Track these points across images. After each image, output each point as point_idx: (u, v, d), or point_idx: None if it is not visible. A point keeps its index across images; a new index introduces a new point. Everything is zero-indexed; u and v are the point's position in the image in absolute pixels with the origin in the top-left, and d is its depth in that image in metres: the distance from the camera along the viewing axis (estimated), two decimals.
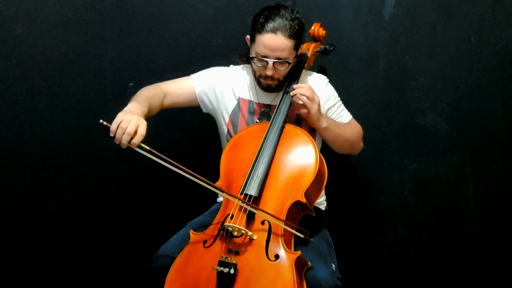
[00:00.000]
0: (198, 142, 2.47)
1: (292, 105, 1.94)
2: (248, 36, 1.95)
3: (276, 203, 1.77)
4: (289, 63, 1.90)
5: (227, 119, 2.05)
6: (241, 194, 1.78)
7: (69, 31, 2.37)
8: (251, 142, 1.87)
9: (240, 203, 1.76)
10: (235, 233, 1.71)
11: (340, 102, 2.10)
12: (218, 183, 1.84)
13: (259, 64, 1.90)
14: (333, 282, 1.73)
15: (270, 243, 1.70)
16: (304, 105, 1.89)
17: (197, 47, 2.42)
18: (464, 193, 2.45)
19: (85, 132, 2.42)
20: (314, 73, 2.12)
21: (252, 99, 2.05)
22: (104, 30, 2.40)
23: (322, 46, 2.19)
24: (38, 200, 2.45)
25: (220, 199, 2.17)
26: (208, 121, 2.18)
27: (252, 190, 1.76)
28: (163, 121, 2.41)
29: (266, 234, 1.71)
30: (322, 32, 2.18)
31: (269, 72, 1.89)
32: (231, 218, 1.76)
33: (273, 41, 1.83)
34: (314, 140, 1.88)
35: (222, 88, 2.06)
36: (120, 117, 1.64)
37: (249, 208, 1.74)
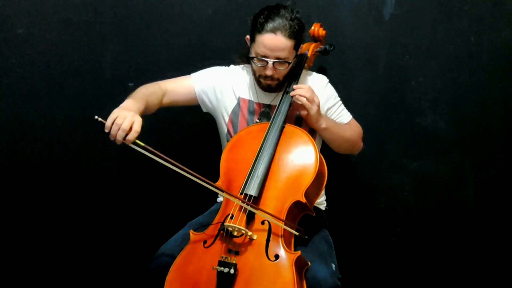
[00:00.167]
0: (198, 142, 2.47)
1: (292, 105, 1.94)
2: (248, 36, 1.95)
3: (276, 203, 1.77)
4: (289, 63, 1.90)
5: (227, 119, 2.05)
6: (241, 194, 1.78)
7: (69, 31, 2.37)
8: (251, 142, 1.87)
9: (240, 202, 1.76)
10: (235, 233, 1.71)
11: (340, 102, 2.10)
12: (218, 183, 1.84)
13: (259, 64, 1.90)
14: (333, 282, 1.73)
15: (270, 243, 1.70)
16: (303, 106, 1.89)
17: (197, 47, 2.42)
18: (464, 193, 2.45)
19: (85, 132, 2.42)
20: (314, 73, 2.12)
21: (252, 99, 2.05)
22: (104, 30, 2.40)
23: (322, 46, 2.19)
24: (38, 200, 2.45)
25: (220, 199, 2.17)
26: (208, 121, 2.18)
27: (252, 190, 1.76)
28: (163, 121, 2.42)
29: (266, 234, 1.71)
30: (322, 32, 2.18)
31: (269, 72, 1.89)
32: (231, 218, 1.76)
33: (273, 41, 1.83)
34: (314, 140, 1.87)
35: (222, 88, 2.06)
36: (116, 113, 1.65)
37: (249, 208, 1.74)
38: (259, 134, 1.88)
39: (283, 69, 1.91)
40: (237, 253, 1.70)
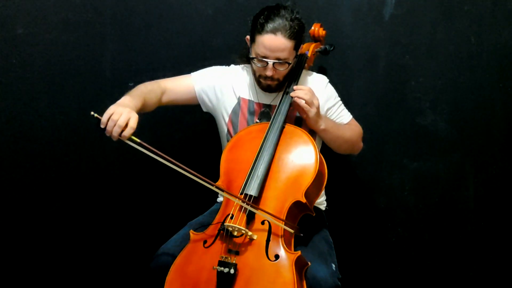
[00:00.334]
0: (198, 142, 2.47)
1: (292, 105, 1.94)
2: (248, 37, 1.95)
3: (276, 203, 1.77)
4: (289, 64, 1.90)
5: (226, 118, 2.05)
6: (241, 194, 1.78)
7: (69, 31, 2.37)
8: (251, 142, 1.87)
9: (240, 202, 1.76)
10: (235, 233, 1.71)
11: (340, 102, 2.10)
12: (218, 183, 1.84)
13: (259, 65, 1.90)
14: (333, 282, 1.73)
15: (270, 243, 1.70)
16: (303, 108, 1.89)
17: (197, 47, 2.42)
18: (464, 193, 2.45)
19: (85, 132, 2.41)
20: (314, 73, 2.12)
21: (252, 99, 2.05)
22: (104, 30, 2.40)
23: (322, 46, 2.19)
24: (38, 200, 2.45)
25: (220, 199, 2.17)
26: (208, 121, 2.18)
27: (252, 190, 1.76)
28: (163, 120, 2.42)
29: (266, 234, 1.71)
30: (322, 32, 2.18)
31: (269, 73, 1.89)
32: (231, 218, 1.76)
33: (273, 42, 1.83)
34: (314, 140, 1.87)
35: (222, 87, 2.06)
36: (112, 109, 1.65)
37: (249, 208, 1.74)
38: (259, 134, 1.88)
39: (283, 70, 1.91)
40: (237, 253, 1.70)
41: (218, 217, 1.82)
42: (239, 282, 1.67)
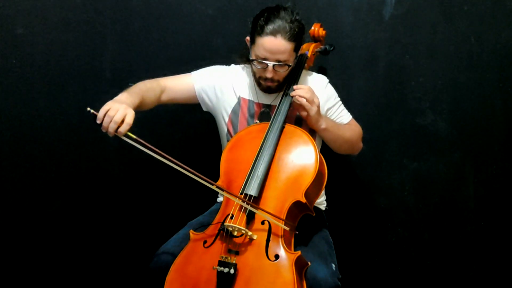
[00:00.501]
0: (198, 142, 2.47)
1: (292, 105, 1.94)
2: (248, 38, 1.95)
3: (276, 203, 1.77)
4: (289, 66, 1.90)
5: (226, 118, 2.05)
6: (241, 194, 1.78)
7: (69, 31, 2.37)
8: (251, 142, 1.87)
9: (239, 202, 1.76)
10: (235, 233, 1.71)
11: (340, 102, 2.10)
12: (218, 183, 1.84)
13: (259, 66, 1.90)
14: (333, 282, 1.73)
15: (270, 243, 1.70)
16: (303, 107, 1.89)
17: (197, 47, 2.42)
18: (464, 193, 2.45)
19: (85, 132, 2.41)
20: (314, 73, 2.12)
21: (252, 99, 2.05)
22: (104, 30, 2.40)
23: (322, 46, 2.19)
24: (38, 200, 2.45)
25: (220, 199, 2.17)
26: (208, 121, 2.18)
27: (252, 190, 1.76)
28: (163, 120, 2.42)
29: (266, 234, 1.71)
30: (322, 32, 2.18)
31: (269, 75, 1.89)
32: (231, 218, 1.76)
33: (273, 44, 1.83)
34: (314, 140, 1.87)
35: (223, 87, 2.06)
36: (108, 105, 1.65)
37: (249, 207, 1.74)
38: (259, 134, 1.88)
39: (283, 72, 1.90)
40: (237, 253, 1.70)
41: (218, 217, 1.82)
42: (239, 282, 1.67)
